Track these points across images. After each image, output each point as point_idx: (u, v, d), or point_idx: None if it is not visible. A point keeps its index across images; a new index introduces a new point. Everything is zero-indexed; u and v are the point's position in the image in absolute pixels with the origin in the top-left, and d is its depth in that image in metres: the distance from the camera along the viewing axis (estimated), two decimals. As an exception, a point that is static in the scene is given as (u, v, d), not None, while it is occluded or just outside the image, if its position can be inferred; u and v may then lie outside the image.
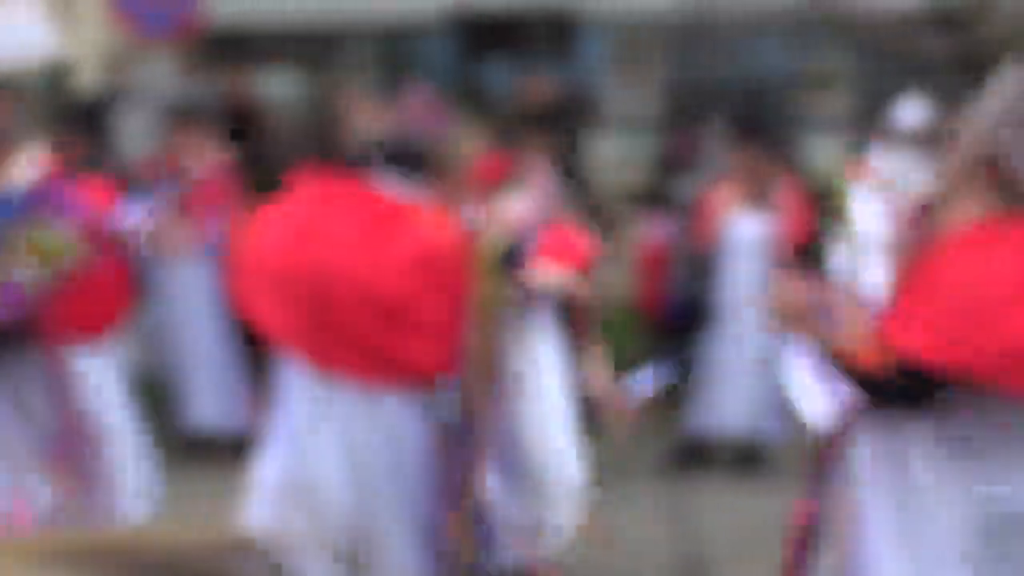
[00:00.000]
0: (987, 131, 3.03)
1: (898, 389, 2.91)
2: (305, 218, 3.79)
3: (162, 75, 9.15)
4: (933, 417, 2.94)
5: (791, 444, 6.45)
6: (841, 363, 3.00)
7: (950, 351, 2.82)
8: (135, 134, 8.70)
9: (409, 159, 3.92)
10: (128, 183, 6.93)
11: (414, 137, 4.06)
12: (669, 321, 7.17)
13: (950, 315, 2.86)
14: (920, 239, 3.16)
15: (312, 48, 20.24)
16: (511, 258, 4.43)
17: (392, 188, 3.87)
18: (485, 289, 3.85)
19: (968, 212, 3.06)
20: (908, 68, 10.08)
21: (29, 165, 4.11)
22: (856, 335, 2.96)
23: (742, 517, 5.84)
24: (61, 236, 3.93)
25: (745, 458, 6.79)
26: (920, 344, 2.84)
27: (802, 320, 3.10)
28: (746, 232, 6.67)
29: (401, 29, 19.92)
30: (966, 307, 2.85)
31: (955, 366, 2.82)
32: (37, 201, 3.93)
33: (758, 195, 6.69)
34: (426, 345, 3.70)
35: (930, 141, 7.60)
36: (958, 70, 8.98)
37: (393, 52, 20.82)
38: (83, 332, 4.26)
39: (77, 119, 7.49)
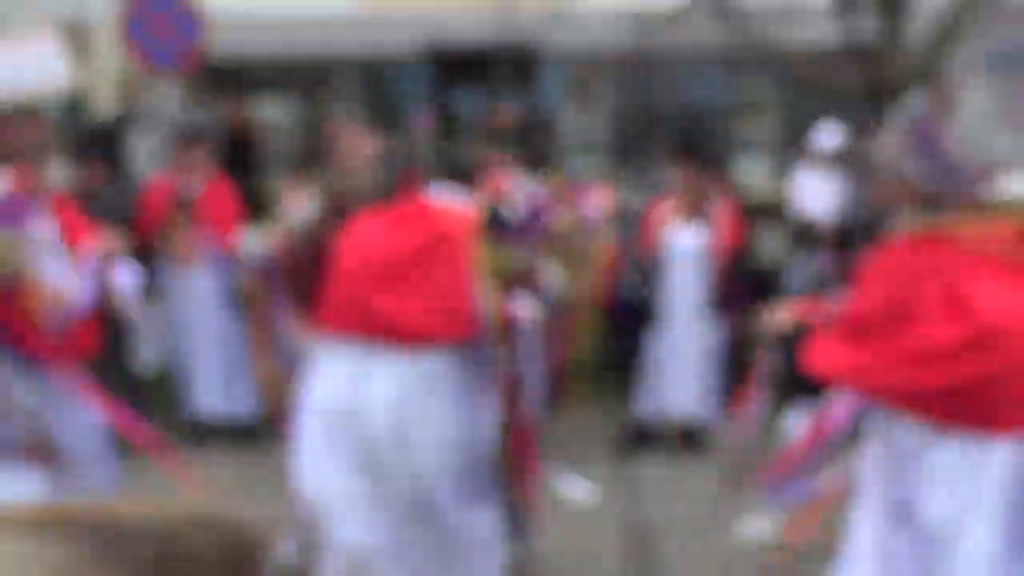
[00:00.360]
0: (895, 158, 3.09)
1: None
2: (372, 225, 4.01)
3: (169, 102, 9.09)
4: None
5: (724, 427, 6.49)
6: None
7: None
8: (145, 154, 8.65)
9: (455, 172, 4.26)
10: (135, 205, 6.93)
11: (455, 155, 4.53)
12: (619, 319, 7.23)
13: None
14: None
15: (302, 77, 20.14)
16: (497, 223, 4.57)
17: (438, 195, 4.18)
18: (484, 258, 3.99)
19: (899, 229, 3.14)
20: (826, 98, 10.15)
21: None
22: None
23: (683, 491, 5.87)
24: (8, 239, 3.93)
25: (686, 439, 6.82)
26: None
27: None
28: (685, 242, 6.71)
29: (382, 61, 19.86)
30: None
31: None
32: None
33: (696, 209, 6.73)
34: (428, 308, 3.85)
35: (844, 162, 7.68)
36: (869, 99, 9.06)
37: (375, 81, 20.76)
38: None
39: (94, 141, 7.45)
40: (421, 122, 7.84)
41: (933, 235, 3.00)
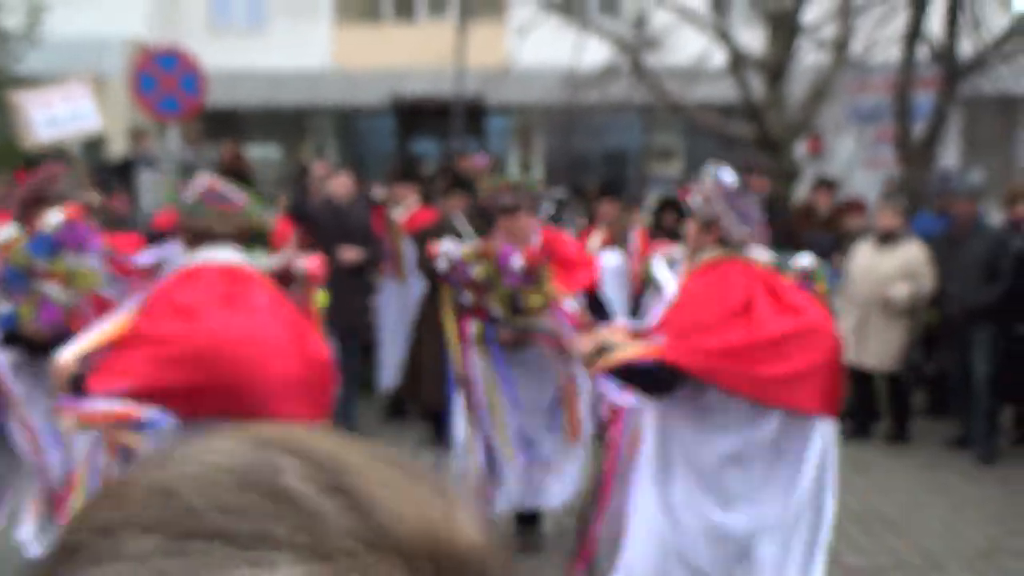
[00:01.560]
0: (707, 203, 3.33)
1: (662, 379, 3.24)
2: None
3: (173, 145, 9.05)
4: (684, 397, 3.28)
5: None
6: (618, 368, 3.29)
7: (690, 359, 3.18)
8: (152, 189, 8.60)
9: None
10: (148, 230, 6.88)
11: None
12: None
13: (687, 334, 3.21)
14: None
15: (284, 124, 20.10)
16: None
17: None
18: None
19: (700, 259, 3.38)
20: (724, 144, 10.40)
21: (57, 213, 4.08)
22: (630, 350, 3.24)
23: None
24: (85, 265, 3.91)
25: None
26: (674, 354, 3.18)
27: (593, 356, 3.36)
28: (610, 263, 6.80)
29: (353, 111, 19.90)
30: (694, 327, 3.23)
31: (692, 369, 3.19)
32: (65, 239, 3.90)
33: (619, 237, 6.84)
34: None
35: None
36: (757, 146, 9.29)
37: (346, 129, 20.78)
38: None
39: (110, 178, 7.43)
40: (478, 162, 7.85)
41: (733, 259, 3.33)
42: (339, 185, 6.84)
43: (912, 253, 6.75)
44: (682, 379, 3.19)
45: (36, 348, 3.86)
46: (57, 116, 6.45)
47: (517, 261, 4.24)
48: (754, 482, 3.27)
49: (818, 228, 7.78)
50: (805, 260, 3.64)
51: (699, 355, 3.16)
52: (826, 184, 8.05)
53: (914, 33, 8.76)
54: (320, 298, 3.07)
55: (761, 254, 3.46)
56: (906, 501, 5.66)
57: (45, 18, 11.22)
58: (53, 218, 3.96)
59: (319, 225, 6.40)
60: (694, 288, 3.35)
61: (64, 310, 3.81)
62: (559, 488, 4.57)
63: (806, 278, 3.56)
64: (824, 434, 3.37)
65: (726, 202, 3.35)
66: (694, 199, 3.43)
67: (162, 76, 8.30)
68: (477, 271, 4.26)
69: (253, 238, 3.15)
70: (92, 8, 16.72)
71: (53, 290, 3.82)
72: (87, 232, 3.88)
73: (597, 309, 4.47)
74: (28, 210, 3.91)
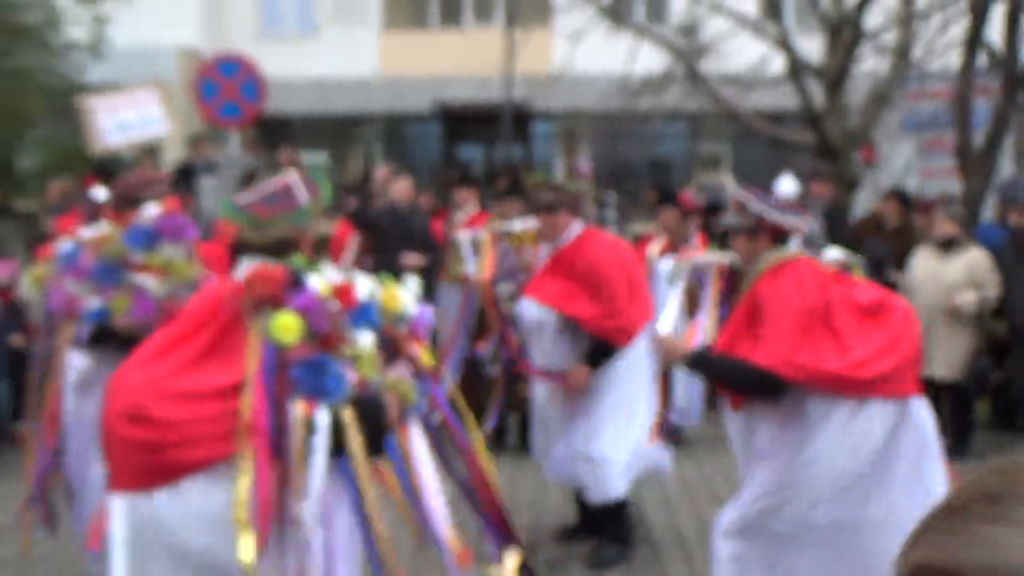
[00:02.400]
0: (742, 211, 3.32)
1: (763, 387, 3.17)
2: None
3: (234, 151, 9.16)
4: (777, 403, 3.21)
5: (703, 426, 6.57)
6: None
7: (796, 374, 3.11)
8: (213, 195, 8.70)
9: None
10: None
11: None
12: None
13: (786, 344, 3.13)
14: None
15: (333, 131, 20.25)
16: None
17: None
18: None
19: (761, 269, 3.31)
20: (773, 152, 10.33)
21: (154, 206, 4.05)
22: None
23: (669, 479, 5.92)
24: (181, 256, 3.88)
25: (670, 436, 6.84)
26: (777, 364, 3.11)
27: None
28: (667, 267, 6.75)
29: (400, 118, 20.00)
30: (790, 343, 3.14)
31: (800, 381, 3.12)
32: (163, 229, 3.88)
33: (678, 243, 6.80)
34: None
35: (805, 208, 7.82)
36: (816, 154, 9.19)
37: (393, 135, 20.88)
38: None
39: (175, 181, 7.52)
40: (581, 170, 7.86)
41: (795, 258, 3.27)
42: (400, 189, 6.88)
43: (976, 260, 6.64)
44: (787, 388, 3.14)
45: (123, 344, 3.88)
46: (125, 122, 6.55)
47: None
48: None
49: (886, 238, 7.64)
50: (834, 253, 3.59)
51: (804, 371, 3.12)
52: (897, 195, 7.88)
53: (974, 39, 8.63)
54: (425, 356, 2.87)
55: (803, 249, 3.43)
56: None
57: (105, 29, 11.41)
58: (150, 210, 3.95)
59: (381, 230, 6.44)
60: (770, 296, 3.24)
61: (158, 303, 3.80)
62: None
63: (842, 270, 3.51)
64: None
65: (763, 201, 3.31)
66: (725, 217, 3.39)
67: (223, 82, 8.40)
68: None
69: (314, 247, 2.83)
70: (144, 18, 16.97)
71: (149, 282, 3.82)
72: (185, 223, 3.84)
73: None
74: (121, 211, 3.92)
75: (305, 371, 2.39)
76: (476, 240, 4.97)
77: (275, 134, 16.13)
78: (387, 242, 6.31)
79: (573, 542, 4.89)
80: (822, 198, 7.62)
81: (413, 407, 2.67)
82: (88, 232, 3.96)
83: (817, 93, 9.22)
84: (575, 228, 4.56)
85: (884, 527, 3.11)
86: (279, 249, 2.60)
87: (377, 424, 2.51)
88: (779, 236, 3.31)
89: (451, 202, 7.12)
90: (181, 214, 3.87)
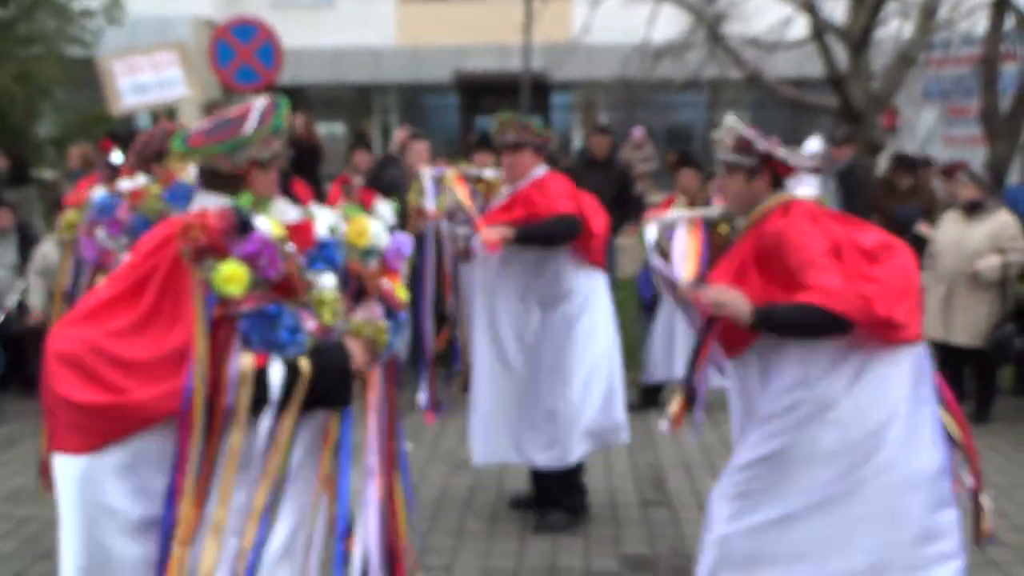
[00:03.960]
0: (744, 149, 3.11)
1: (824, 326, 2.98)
2: None
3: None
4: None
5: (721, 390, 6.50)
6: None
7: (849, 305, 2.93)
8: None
9: None
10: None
11: None
12: (644, 299, 7.14)
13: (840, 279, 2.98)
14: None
15: (349, 101, 20.16)
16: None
17: None
18: None
19: (760, 212, 3.16)
20: (795, 118, 10.18)
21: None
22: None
23: (687, 443, 5.88)
24: None
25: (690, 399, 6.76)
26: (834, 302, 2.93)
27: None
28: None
29: (418, 88, 19.89)
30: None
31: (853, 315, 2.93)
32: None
33: (698, 203, 6.70)
34: None
35: (823, 168, 7.71)
36: (839, 118, 9.05)
37: (411, 105, 20.77)
38: None
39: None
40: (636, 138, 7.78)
41: (797, 201, 3.15)
42: (417, 153, 6.80)
43: (1002, 224, 6.51)
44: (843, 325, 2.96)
45: None
46: (144, 83, 6.50)
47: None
48: None
49: (900, 201, 7.55)
50: (808, 190, 3.48)
51: (857, 300, 2.94)
52: (906, 164, 7.75)
53: (1001, 1, 8.44)
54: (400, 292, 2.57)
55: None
56: (1000, 481, 5.48)
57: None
58: (194, 170, 3.87)
59: (398, 194, 6.36)
60: (791, 233, 3.07)
61: None
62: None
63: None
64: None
65: (767, 140, 3.11)
66: (724, 154, 3.15)
67: (239, 47, 8.33)
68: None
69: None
70: (162, -13, 16.92)
71: None
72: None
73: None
74: (146, 163, 3.84)
75: (254, 323, 2.18)
76: (440, 177, 4.85)
77: (290, 104, 16.03)
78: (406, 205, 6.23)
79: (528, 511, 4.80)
80: (840, 160, 7.50)
81: (384, 349, 2.43)
82: (127, 184, 3.90)
83: (841, 56, 9.05)
84: (538, 170, 4.44)
85: (888, 479, 3.02)
86: (213, 182, 2.32)
87: (340, 373, 2.30)
88: (778, 179, 3.17)
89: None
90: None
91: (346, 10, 18.71)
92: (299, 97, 18.31)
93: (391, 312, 2.46)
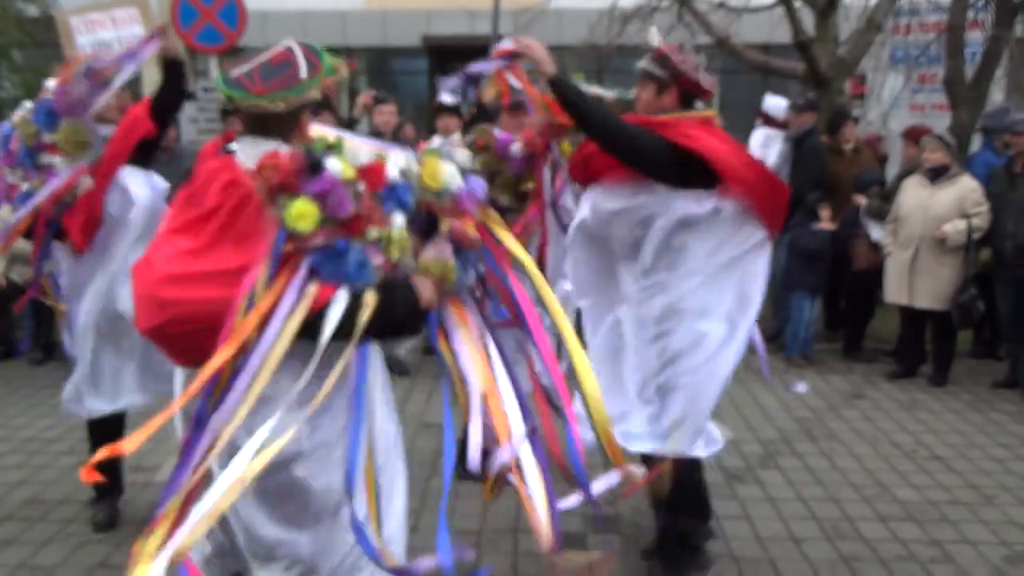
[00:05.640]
0: (662, 62, 3.30)
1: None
2: None
3: (205, 79, 8.95)
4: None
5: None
6: None
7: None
8: (193, 122, 8.52)
9: None
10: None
11: None
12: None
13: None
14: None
15: (317, 65, 19.85)
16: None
17: None
18: None
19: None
20: (762, 86, 10.17)
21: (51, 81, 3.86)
22: None
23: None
24: (80, 129, 3.72)
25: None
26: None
27: None
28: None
29: (386, 52, 19.65)
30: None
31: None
32: (59, 105, 3.69)
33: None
34: None
35: (783, 123, 7.74)
36: (804, 83, 9.04)
37: (379, 70, 20.52)
38: None
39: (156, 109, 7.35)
40: None
41: (701, 119, 3.28)
42: (381, 116, 6.73)
43: (966, 189, 6.56)
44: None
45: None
46: (103, 40, 6.35)
47: (516, 147, 4.28)
48: None
49: (847, 163, 7.58)
50: (754, 141, 3.68)
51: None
52: (837, 121, 7.77)
53: (967, -34, 8.44)
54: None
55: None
56: (956, 441, 5.57)
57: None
58: (49, 84, 3.79)
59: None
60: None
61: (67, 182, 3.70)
62: None
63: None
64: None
65: (683, 58, 3.24)
66: (644, 63, 3.31)
67: (202, 7, 8.17)
68: (477, 161, 4.26)
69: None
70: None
71: (56, 160, 3.74)
72: (78, 97, 3.63)
73: None
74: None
75: (324, 257, 2.31)
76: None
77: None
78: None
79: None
80: (806, 124, 7.51)
81: (455, 286, 2.54)
82: (16, 115, 3.85)
83: (808, 22, 9.03)
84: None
85: None
86: (269, 125, 2.41)
87: (406, 307, 2.42)
88: (688, 98, 3.30)
89: (435, 131, 6.97)
90: (71, 85, 3.64)
91: (313, -28, 18.42)
92: (265, 60, 18.03)
93: (460, 251, 2.55)
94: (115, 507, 4.28)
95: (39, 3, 10.41)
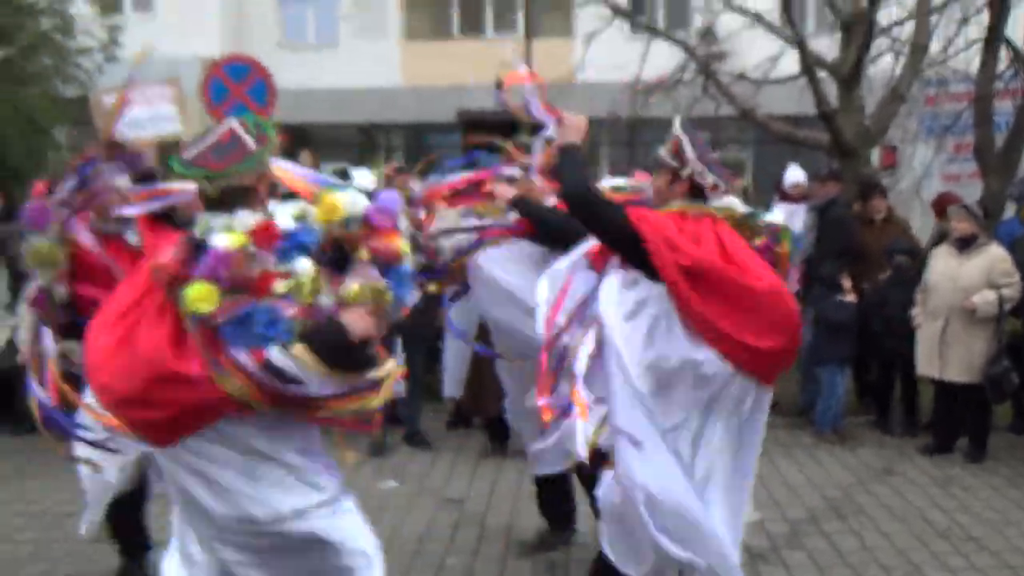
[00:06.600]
0: (676, 154, 3.26)
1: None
2: None
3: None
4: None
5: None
6: None
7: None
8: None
9: None
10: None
11: None
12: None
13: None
14: None
15: (355, 141, 20.25)
16: None
17: None
18: None
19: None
20: (793, 155, 10.12)
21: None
22: None
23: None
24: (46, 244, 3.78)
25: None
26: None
27: None
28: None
29: (423, 127, 19.97)
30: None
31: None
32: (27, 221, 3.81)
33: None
34: None
35: (804, 196, 7.66)
36: (829, 154, 8.99)
37: (416, 144, 20.84)
38: None
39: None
40: None
41: (702, 212, 3.23)
42: (402, 186, 6.79)
43: (995, 258, 6.41)
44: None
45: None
46: (137, 117, 6.51)
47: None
48: None
49: (876, 232, 7.46)
50: (777, 217, 3.55)
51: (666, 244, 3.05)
52: (866, 190, 7.67)
53: (993, 36, 8.40)
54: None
55: (735, 204, 3.41)
56: (993, 518, 5.34)
57: (121, 39, 11.46)
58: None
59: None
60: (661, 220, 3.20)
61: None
62: None
63: (773, 236, 3.47)
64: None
65: (696, 152, 3.23)
66: (661, 151, 3.32)
67: (232, 85, 8.37)
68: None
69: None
70: (165, 28, 17.08)
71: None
72: (42, 212, 3.74)
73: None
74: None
75: (232, 329, 2.36)
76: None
77: (296, 144, 16.13)
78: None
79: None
80: (828, 195, 7.44)
81: (395, 304, 2.54)
82: None
83: (832, 92, 9.02)
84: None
85: None
86: (231, 199, 2.51)
87: (335, 345, 2.41)
88: (698, 191, 3.27)
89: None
90: (40, 203, 3.74)
91: (351, 51, 18.88)
92: (305, 137, 18.42)
93: (391, 268, 2.54)
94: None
95: (79, 83, 10.74)
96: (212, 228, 2.44)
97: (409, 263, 2.60)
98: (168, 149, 8.50)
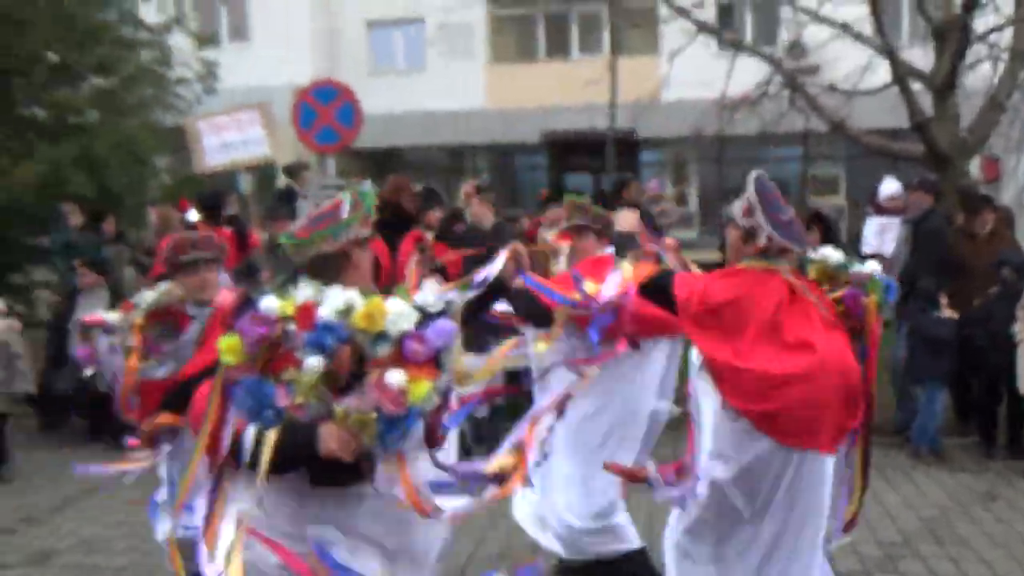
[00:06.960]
0: (748, 213, 3.23)
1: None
2: None
3: (329, 174, 9.34)
4: None
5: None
6: None
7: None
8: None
9: None
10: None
11: None
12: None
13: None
14: None
15: (442, 163, 20.53)
16: None
17: None
18: None
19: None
20: (888, 168, 9.85)
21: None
22: None
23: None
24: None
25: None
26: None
27: None
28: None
29: (508, 149, 20.13)
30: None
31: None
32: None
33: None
34: None
35: (901, 209, 7.42)
36: (924, 165, 8.71)
37: (502, 166, 21.02)
38: None
39: (277, 206, 7.78)
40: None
41: (768, 270, 3.21)
42: (476, 210, 6.93)
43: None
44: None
45: None
46: (228, 141, 6.71)
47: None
48: None
49: (979, 245, 7.12)
50: (869, 267, 3.42)
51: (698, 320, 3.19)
52: (970, 204, 7.32)
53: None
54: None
55: (829, 255, 3.41)
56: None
57: (218, 69, 11.89)
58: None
59: (467, 245, 6.38)
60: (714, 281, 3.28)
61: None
62: None
63: (861, 287, 3.36)
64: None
65: (768, 216, 3.18)
66: (734, 207, 3.29)
67: (320, 109, 8.57)
68: None
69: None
70: (259, 58, 17.66)
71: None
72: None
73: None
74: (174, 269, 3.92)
75: (241, 391, 2.38)
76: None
77: (384, 166, 16.44)
78: (472, 259, 6.24)
79: None
80: (917, 204, 7.18)
81: (377, 444, 2.33)
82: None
83: (927, 103, 8.73)
84: (599, 251, 4.32)
85: None
86: (319, 267, 2.48)
87: (302, 451, 2.33)
88: (768, 249, 3.23)
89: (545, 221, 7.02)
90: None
91: (438, 75, 19.17)
92: (393, 160, 18.77)
93: (386, 408, 2.30)
94: None
95: (177, 112, 11.16)
96: (269, 291, 2.47)
97: (425, 404, 2.34)
98: (259, 171, 8.79)
